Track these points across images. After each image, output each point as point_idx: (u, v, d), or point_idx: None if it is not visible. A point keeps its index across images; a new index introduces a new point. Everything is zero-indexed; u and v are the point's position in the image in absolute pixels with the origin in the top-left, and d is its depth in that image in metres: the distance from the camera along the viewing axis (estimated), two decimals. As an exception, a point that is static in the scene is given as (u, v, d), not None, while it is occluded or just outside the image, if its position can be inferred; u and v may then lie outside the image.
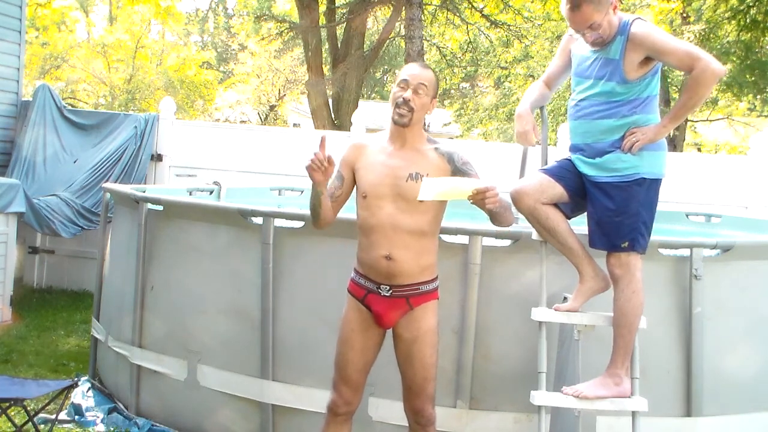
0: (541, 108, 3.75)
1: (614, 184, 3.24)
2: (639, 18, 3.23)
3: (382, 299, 3.09)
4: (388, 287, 3.07)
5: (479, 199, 2.88)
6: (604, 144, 3.26)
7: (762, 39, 13.77)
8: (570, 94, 3.46)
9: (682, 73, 16.60)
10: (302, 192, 6.81)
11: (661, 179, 3.31)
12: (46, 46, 24.51)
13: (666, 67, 3.36)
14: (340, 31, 16.30)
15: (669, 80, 17.39)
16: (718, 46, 14.65)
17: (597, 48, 3.25)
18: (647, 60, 3.18)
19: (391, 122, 3.10)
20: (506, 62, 20.09)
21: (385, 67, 30.46)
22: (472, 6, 15.93)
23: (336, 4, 16.03)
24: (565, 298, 3.49)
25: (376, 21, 19.07)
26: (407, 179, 3.03)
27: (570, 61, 3.48)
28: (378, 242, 3.04)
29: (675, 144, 17.77)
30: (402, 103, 3.03)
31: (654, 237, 3.36)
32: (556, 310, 3.39)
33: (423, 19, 13.45)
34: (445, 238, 3.56)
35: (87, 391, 4.84)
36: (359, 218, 3.12)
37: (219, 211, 4.38)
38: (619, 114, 3.23)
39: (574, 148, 3.40)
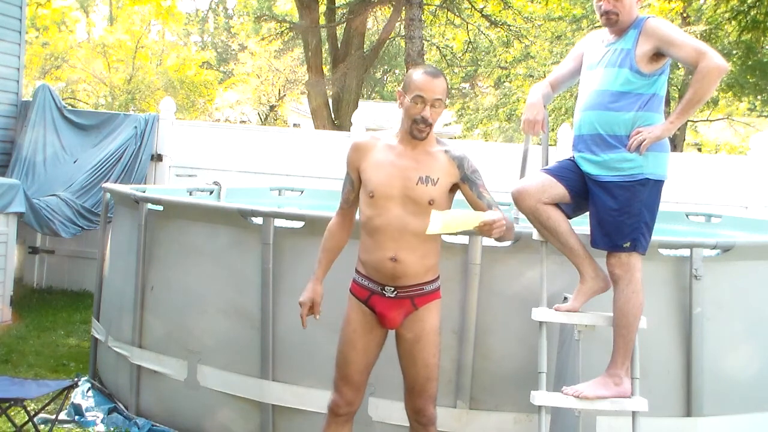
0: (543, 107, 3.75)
1: (618, 183, 3.24)
2: (654, 16, 3.33)
3: (387, 300, 3.08)
4: (392, 288, 3.06)
5: (486, 230, 2.88)
6: (609, 137, 3.26)
7: (763, 39, 13.77)
8: (577, 90, 3.49)
9: (683, 73, 16.62)
10: (302, 192, 6.82)
11: (663, 180, 3.31)
12: (46, 46, 24.50)
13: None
14: (340, 31, 16.31)
15: (669, 79, 17.38)
16: (719, 47, 14.66)
17: (608, 26, 3.33)
18: (658, 57, 3.23)
19: (403, 128, 3.09)
20: (506, 62, 20.08)
21: (385, 67, 30.47)
22: (472, 6, 15.94)
23: (336, 4, 16.04)
24: (566, 298, 3.49)
25: (376, 21, 19.06)
26: (417, 182, 3.02)
27: (580, 67, 3.51)
28: (384, 243, 3.02)
29: (675, 144, 17.75)
30: (421, 121, 3.02)
31: (654, 237, 3.36)
32: (556, 310, 3.39)
33: (423, 19, 13.46)
34: (445, 238, 3.55)
35: (87, 391, 4.84)
36: (363, 216, 3.10)
37: (219, 211, 4.38)
38: (625, 108, 3.24)
39: (579, 141, 3.39)
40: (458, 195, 3.16)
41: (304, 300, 3.20)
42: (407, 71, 3.19)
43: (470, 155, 3.16)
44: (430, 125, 3.03)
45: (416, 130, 3.03)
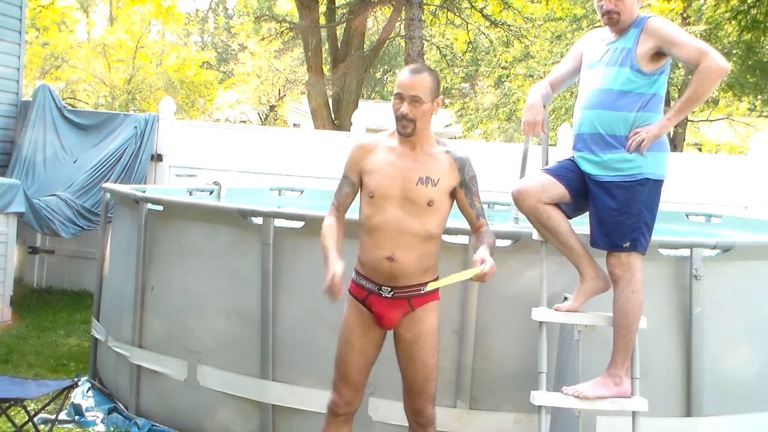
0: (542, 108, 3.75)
1: (617, 183, 3.24)
2: (655, 16, 3.33)
3: (384, 300, 3.08)
4: (389, 288, 3.06)
5: (481, 280, 2.95)
6: (609, 137, 3.26)
7: (763, 39, 13.79)
8: (577, 89, 3.49)
9: (683, 73, 16.61)
10: (302, 192, 6.82)
11: (663, 180, 3.31)
12: (46, 46, 24.52)
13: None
14: (340, 31, 16.31)
15: (669, 79, 17.36)
16: (719, 47, 14.66)
17: (610, 25, 3.33)
18: (658, 57, 3.23)
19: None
20: (506, 62, 20.08)
21: (385, 67, 30.47)
22: (472, 6, 15.94)
23: (336, 4, 16.04)
24: (566, 298, 3.49)
25: (376, 21, 19.07)
26: (417, 183, 3.03)
27: (580, 66, 3.51)
28: (381, 243, 3.03)
29: (675, 144, 17.76)
30: (401, 118, 3.04)
31: (654, 237, 3.36)
32: (556, 310, 3.39)
33: (423, 19, 13.46)
34: (445, 238, 3.55)
35: (87, 391, 4.84)
36: (363, 216, 3.10)
37: (219, 211, 4.38)
38: (626, 108, 3.24)
39: (579, 140, 3.39)
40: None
41: (336, 270, 2.95)
42: None
43: (471, 158, 3.17)
44: (413, 120, 3.02)
45: (400, 127, 3.06)
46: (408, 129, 3.04)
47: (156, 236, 4.44)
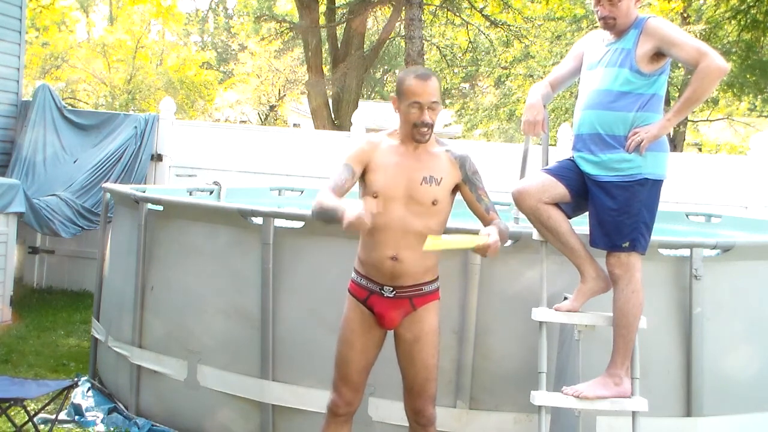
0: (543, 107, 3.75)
1: (617, 183, 3.24)
2: (655, 16, 3.32)
3: (385, 300, 3.08)
4: (391, 288, 3.06)
5: (481, 253, 2.95)
6: (608, 137, 3.26)
7: (763, 39, 13.78)
8: (578, 89, 3.49)
9: (683, 73, 16.60)
10: (302, 192, 6.82)
11: (662, 180, 3.31)
12: (46, 46, 24.49)
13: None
14: (340, 31, 16.31)
15: (669, 79, 17.34)
16: (719, 46, 14.66)
17: (606, 30, 3.33)
18: (658, 57, 3.23)
19: (403, 131, 3.10)
20: (506, 62, 20.09)
21: (385, 67, 30.46)
22: (473, 6, 15.94)
23: (336, 4, 16.04)
24: (566, 298, 3.49)
25: (376, 21, 19.06)
26: (422, 182, 3.04)
27: (580, 66, 3.51)
28: (385, 242, 3.03)
29: (675, 144, 17.76)
30: (422, 125, 3.04)
31: (654, 237, 3.36)
32: (556, 310, 3.39)
33: (423, 19, 13.46)
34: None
35: (87, 391, 4.84)
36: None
37: (219, 211, 4.38)
38: (625, 108, 3.23)
39: (579, 140, 3.39)
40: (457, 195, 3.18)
41: (359, 209, 2.80)
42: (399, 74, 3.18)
43: (471, 155, 3.17)
44: (432, 126, 3.06)
45: (418, 134, 3.06)
46: (427, 136, 3.07)
47: (156, 236, 4.44)
